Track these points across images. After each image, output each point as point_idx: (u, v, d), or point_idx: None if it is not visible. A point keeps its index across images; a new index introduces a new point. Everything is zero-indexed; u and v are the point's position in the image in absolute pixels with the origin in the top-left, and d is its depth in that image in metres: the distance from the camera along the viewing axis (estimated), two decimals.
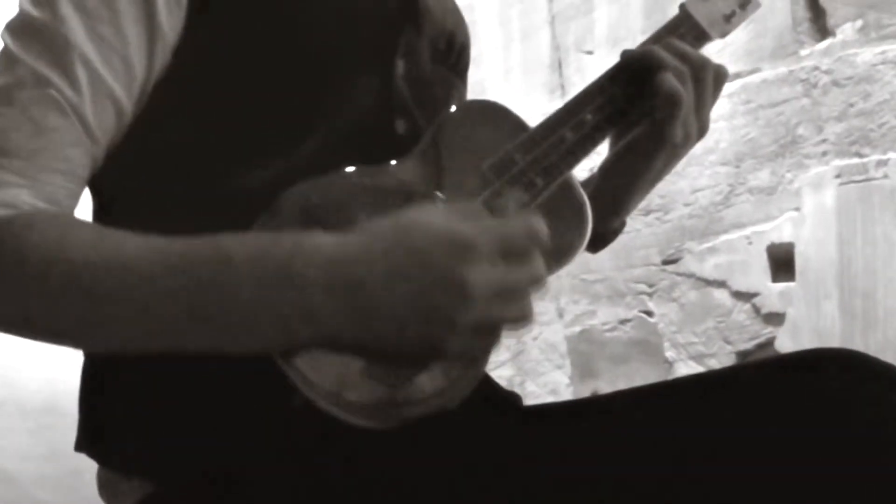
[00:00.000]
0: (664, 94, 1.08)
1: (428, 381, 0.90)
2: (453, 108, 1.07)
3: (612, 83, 1.11)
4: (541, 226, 0.87)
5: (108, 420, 1.03)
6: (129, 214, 1.01)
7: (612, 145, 1.23)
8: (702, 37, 1.18)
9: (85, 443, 1.05)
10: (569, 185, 1.07)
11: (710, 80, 1.14)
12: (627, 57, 1.14)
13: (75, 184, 0.95)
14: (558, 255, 1.03)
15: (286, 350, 0.88)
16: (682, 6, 1.19)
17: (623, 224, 1.32)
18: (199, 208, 0.97)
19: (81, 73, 0.93)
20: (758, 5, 1.24)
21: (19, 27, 0.95)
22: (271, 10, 1.04)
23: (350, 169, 0.98)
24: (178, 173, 1.02)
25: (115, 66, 0.95)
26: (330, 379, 0.88)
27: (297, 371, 0.87)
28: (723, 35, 1.21)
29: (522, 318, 0.87)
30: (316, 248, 0.85)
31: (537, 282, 0.87)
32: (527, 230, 0.87)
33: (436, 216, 0.87)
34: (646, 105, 1.11)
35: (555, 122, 1.07)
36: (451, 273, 0.82)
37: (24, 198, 0.89)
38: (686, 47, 1.13)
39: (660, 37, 1.17)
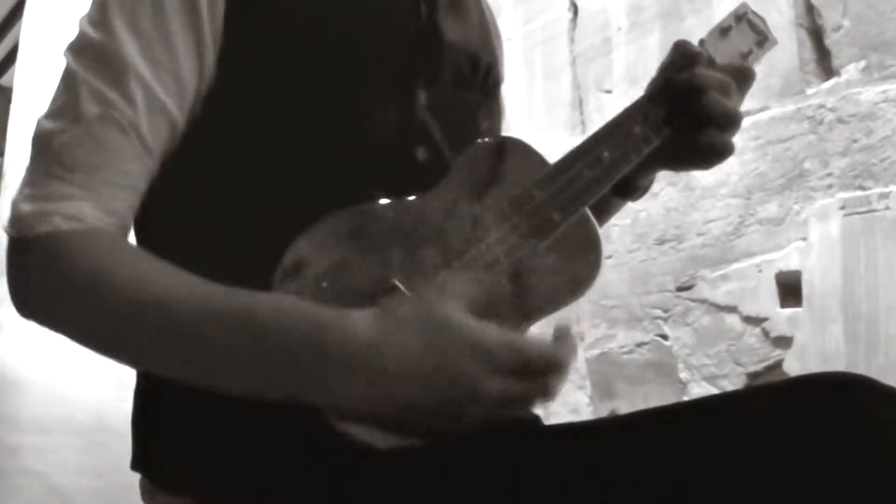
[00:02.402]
0: (714, 113, 1.08)
1: None
2: (471, 147, 1.05)
3: (629, 119, 1.09)
4: (564, 361, 0.89)
5: (157, 441, 1.04)
6: (167, 223, 1.03)
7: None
8: None
9: (137, 461, 1.06)
10: (585, 219, 1.04)
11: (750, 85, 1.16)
12: (664, 84, 1.12)
13: (134, 197, 0.97)
14: (573, 286, 1.02)
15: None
16: (700, 42, 1.16)
17: (653, 180, 1.30)
18: (230, 225, 0.98)
19: (137, 91, 0.94)
20: (774, 43, 1.20)
21: (79, 47, 0.98)
22: (291, 44, 1.03)
23: (384, 201, 0.98)
24: (211, 189, 1.03)
25: (167, 83, 0.97)
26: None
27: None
28: None
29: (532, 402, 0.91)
30: (353, 334, 0.86)
31: (545, 397, 0.89)
32: (551, 358, 0.89)
33: (461, 318, 0.88)
34: (662, 138, 1.10)
35: (573, 158, 1.05)
36: (465, 376, 0.84)
37: (88, 210, 0.91)
38: (727, 99, 1.11)
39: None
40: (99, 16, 0.97)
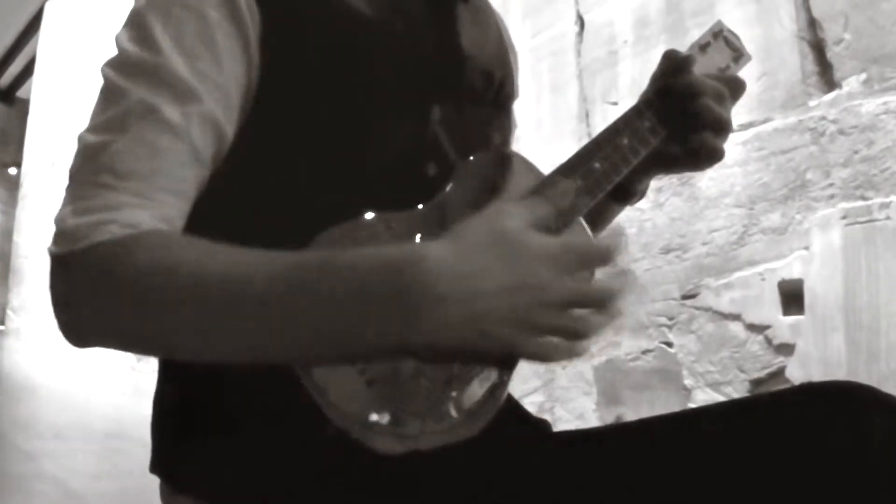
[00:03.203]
0: (711, 119, 1.11)
1: (450, 412, 0.90)
2: (471, 159, 1.06)
3: (621, 133, 1.10)
4: (615, 249, 0.91)
5: (175, 445, 1.04)
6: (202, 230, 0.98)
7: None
8: None
9: (156, 464, 1.06)
10: (580, 229, 1.05)
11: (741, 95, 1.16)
12: (664, 87, 1.14)
13: (187, 203, 0.95)
14: None
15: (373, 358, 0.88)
16: None
17: (647, 185, 1.32)
18: (243, 236, 0.92)
19: (188, 104, 0.93)
20: (749, 59, 1.23)
21: (123, 64, 0.96)
22: (326, 58, 1.03)
23: (370, 215, 0.97)
24: (239, 200, 1.02)
25: (217, 98, 0.96)
26: (359, 409, 0.88)
27: (329, 402, 0.88)
28: None
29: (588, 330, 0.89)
30: (428, 266, 0.84)
31: (610, 294, 0.90)
32: (602, 248, 0.92)
33: (521, 218, 0.89)
34: (678, 132, 1.13)
35: (567, 169, 1.06)
36: (540, 281, 0.85)
37: (145, 217, 0.88)
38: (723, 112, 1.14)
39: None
40: (141, 34, 0.97)
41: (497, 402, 0.93)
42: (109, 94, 0.95)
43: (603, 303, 0.90)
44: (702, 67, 1.17)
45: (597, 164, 1.06)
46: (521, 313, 0.85)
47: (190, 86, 0.94)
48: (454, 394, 0.91)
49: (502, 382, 0.94)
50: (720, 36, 1.21)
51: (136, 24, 0.98)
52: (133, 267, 0.86)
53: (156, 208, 0.90)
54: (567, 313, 0.87)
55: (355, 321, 0.84)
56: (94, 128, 0.94)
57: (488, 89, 1.23)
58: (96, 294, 0.88)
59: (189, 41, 0.96)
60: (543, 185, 1.03)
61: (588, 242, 0.93)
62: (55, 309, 0.90)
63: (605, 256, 0.91)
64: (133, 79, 0.94)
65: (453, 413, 0.90)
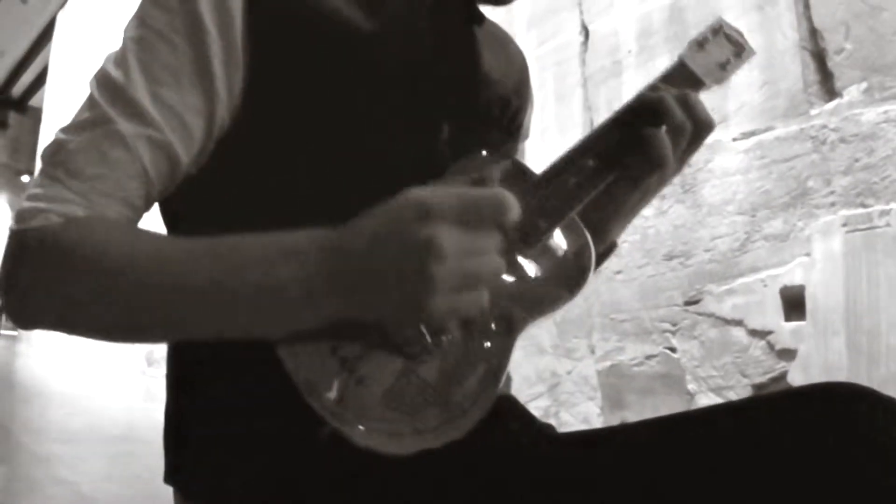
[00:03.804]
0: (655, 154, 1.08)
1: (440, 412, 0.89)
2: (459, 161, 1.07)
3: (613, 130, 1.09)
4: (510, 198, 0.85)
5: (187, 455, 1.05)
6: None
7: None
8: (697, 84, 1.17)
9: (169, 475, 1.07)
10: (574, 225, 1.05)
11: (705, 138, 1.14)
12: (637, 103, 1.12)
13: (130, 210, 0.98)
14: (567, 286, 1.02)
15: (305, 332, 0.89)
16: (679, 57, 1.18)
17: (615, 245, 1.27)
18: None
19: (144, 126, 0.97)
20: (752, 53, 1.21)
21: (101, 80, 1.00)
22: (317, 73, 1.04)
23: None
24: (229, 215, 1.04)
25: (173, 126, 0.98)
26: (353, 410, 0.88)
27: (324, 404, 0.88)
28: (718, 82, 1.19)
29: (492, 274, 0.86)
30: (320, 232, 0.88)
31: (498, 243, 0.86)
32: (493, 198, 0.85)
33: (414, 190, 0.86)
34: (638, 153, 1.10)
35: (559, 167, 1.06)
36: (417, 232, 0.81)
37: (80, 213, 0.93)
38: (697, 105, 1.12)
39: (656, 86, 1.15)
40: (119, 55, 1.01)
41: (487, 401, 0.91)
42: (85, 103, 1.00)
43: (494, 243, 0.86)
44: (700, 63, 1.16)
45: (590, 162, 1.06)
46: (401, 269, 0.84)
47: (148, 112, 0.97)
48: (443, 393, 0.90)
49: (494, 376, 0.93)
50: (720, 32, 1.20)
51: (120, 47, 1.02)
52: (64, 247, 0.91)
53: (92, 208, 0.94)
54: (463, 262, 0.84)
55: (259, 292, 0.88)
56: (65, 128, 0.99)
57: (503, 115, 1.23)
58: (33, 271, 0.93)
59: (155, 68, 0.99)
60: (536, 183, 1.04)
61: (476, 192, 0.87)
62: (3, 285, 0.95)
63: (496, 201, 0.85)
64: (103, 93, 0.99)
65: (442, 412, 0.90)
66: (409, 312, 0.85)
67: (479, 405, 0.90)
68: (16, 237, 0.93)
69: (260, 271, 0.88)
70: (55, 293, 0.92)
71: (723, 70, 1.18)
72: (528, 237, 1.01)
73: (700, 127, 1.11)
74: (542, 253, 1.03)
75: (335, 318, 0.88)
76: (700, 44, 1.19)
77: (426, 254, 0.81)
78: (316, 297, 0.86)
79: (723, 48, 1.19)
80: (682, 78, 1.16)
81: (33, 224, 0.92)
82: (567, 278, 1.02)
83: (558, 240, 1.04)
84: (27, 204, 0.94)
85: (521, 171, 1.08)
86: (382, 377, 0.90)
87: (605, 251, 1.25)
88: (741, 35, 1.21)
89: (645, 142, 1.09)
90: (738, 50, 1.20)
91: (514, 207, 0.85)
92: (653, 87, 1.15)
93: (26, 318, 0.96)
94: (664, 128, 1.09)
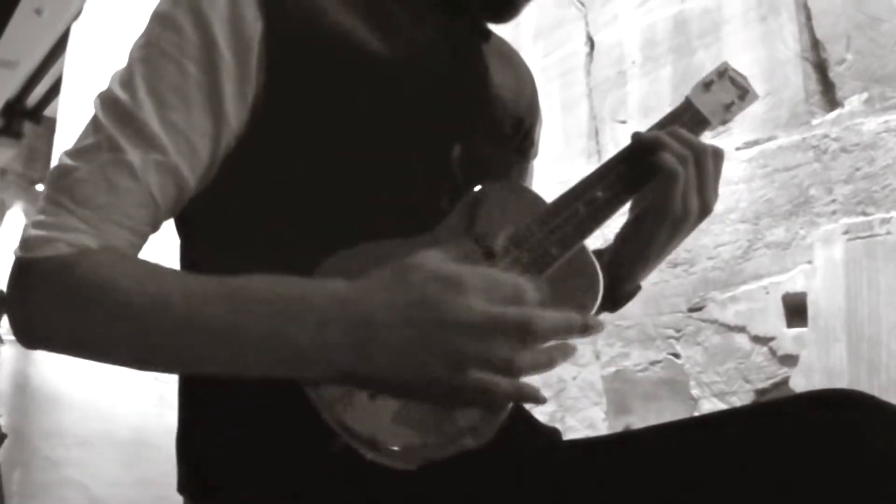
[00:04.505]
0: (664, 170, 1.09)
1: (452, 425, 0.90)
2: (478, 188, 1.06)
3: (621, 163, 1.11)
4: (528, 286, 0.87)
5: (200, 466, 1.04)
6: (206, 264, 1.03)
7: (628, 220, 1.21)
8: (703, 123, 1.19)
9: (182, 485, 1.06)
10: (582, 253, 1.06)
11: (709, 163, 1.13)
12: (636, 140, 1.13)
13: (137, 237, 0.97)
14: (577, 312, 0.98)
15: (313, 382, 0.89)
16: (686, 97, 1.20)
17: (638, 288, 1.28)
18: (259, 269, 0.93)
19: (150, 150, 0.96)
20: (755, 97, 1.24)
21: (106, 100, 0.99)
22: (333, 96, 1.03)
23: (368, 243, 0.97)
24: (244, 234, 1.03)
25: (181, 148, 0.97)
26: (365, 425, 0.88)
27: (337, 418, 0.88)
28: (723, 122, 1.22)
29: (512, 357, 0.85)
30: (333, 288, 0.87)
31: (525, 320, 0.84)
32: (514, 282, 0.87)
33: (430, 258, 0.87)
34: (650, 181, 1.12)
35: (570, 198, 1.07)
36: (437, 304, 0.83)
37: (90, 242, 0.92)
38: (688, 134, 1.13)
39: (664, 124, 1.17)
40: (126, 77, 0.99)
41: (500, 416, 0.92)
42: (91, 125, 0.99)
43: (517, 326, 0.85)
44: (706, 103, 1.19)
45: (600, 193, 1.08)
46: (423, 345, 0.84)
47: (155, 134, 0.96)
48: (457, 409, 0.91)
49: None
50: (725, 75, 1.22)
51: (127, 66, 1.01)
52: (75, 279, 0.90)
53: (101, 237, 0.93)
54: (483, 340, 0.84)
55: (270, 346, 0.87)
56: (72, 152, 0.98)
57: (515, 134, 1.24)
58: (43, 300, 0.92)
59: (163, 90, 0.98)
60: (548, 212, 1.05)
61: (503, 273, 0.89)
62: (8, 308, 0.94)
63: (519, 288, 0.87)
64: (109, 116, 0.97)
65: (456, 428, 0.90)
66: (422, 383, 0.86)
67: (490, 424, 0.91)
68: (25, 266, 0.93)
69: (270, 328, 0.87)
70: (66, 323, 0.92)
71: (727, 111, 1.21)
72: (540, 264, 1.02)
73: (697, 152, 1.12)
74: (553, 280, 1.03)
75: (348, 373, 0.87)
76: (706, 85, 1.21)
77: (451, 324, 0.83)
78: (331, 359, 0.86)
79: (728, 90, 1.22)
80: (689, 116, 1.18)
81: (42, 254, 0.91)
82: (577, 305, 1.03)
83: (569, 267, 1.04)
84: (34, 232, 0.93)
85: (529, 195, 1.09)
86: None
87: (628, 293, 1.27)
88: (745, 79, 1.24)
89: (651, 170, 1.10)
90: (742, 93, 1.22)
91: (530, 291, 0.87)
92: (660, 125, 1.17)
93: (35, 343, 0.96)
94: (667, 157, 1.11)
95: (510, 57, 1.32)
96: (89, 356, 0.94)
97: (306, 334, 0.85)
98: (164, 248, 1.05)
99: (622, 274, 1.23)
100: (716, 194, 1.16)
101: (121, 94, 0.98)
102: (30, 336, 0.95)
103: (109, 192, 0.94)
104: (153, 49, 1.00)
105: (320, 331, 0.85)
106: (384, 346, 0.84)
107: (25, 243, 0.93)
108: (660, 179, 1.11)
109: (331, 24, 1.05)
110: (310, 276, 0.92)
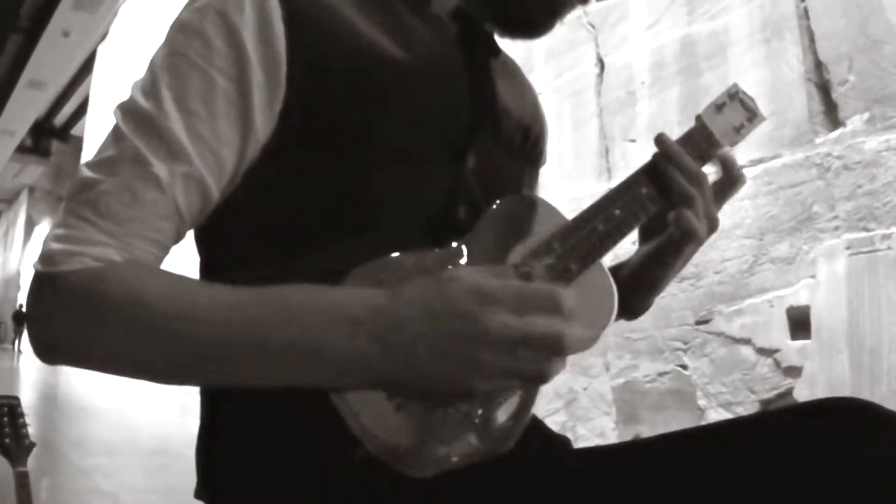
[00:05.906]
0: (679, 193, 1.10)
1: (476, 438, 0.91)
2: (497, 203, 1.05)
3: (637, 183, 1.11)
4: (564, 294, 0.86)
5: (219, 474, 1.02)
6: (228, 273, 1.00)
7: (640, 236, 1.22)
8: (715, 145, 1.18)
9: (201, 492, 1.05)
10: (599, 269, 1.06)
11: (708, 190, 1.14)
12: (653, 161, 1.12)
13: (160, 251, 0.94)
14: (591, 328, 1.02)
15: (343, 390, 0.88)
16: (698, 117, 1.19)
17: (651, 303, 1.29)
18: (281, 279, 0.92)
19: (177, 161, 0.92)
20: (762, 119, 1.23)
21: (129, 110, 0.95)
22: (355, 108, 1.00)
23: (398, 254, 0.97)
24: (267, 243, 1.01)
25: (207, 160, 0.94)
26: (388, 433, 0.89)
27: (361, 426, 0.89)
28: (733, 144, 1.21)
29: (541, 370, 0.85)
30: (369, 297, 0.87)
31: (556, 336, 0.84)
32: (549, 293, 0.86)
33: (465, 272, 0.87)
34: (666, 202, 1.12)
35: (589, 215, 1.06)
36: (474, 318, 0.83)
37: (115, 257, 0.88)
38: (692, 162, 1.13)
39: (678, 144, 1.15)
40: (150, 86, 0.96)
41: (520, 426, 0.93)
42: (112, 135, 0.96)
43: (549, 344, 0.85)
44: (717, 125, 1.18)
45: (617, 211, 1.09)
46: (449, 349, 0.84)
47: (182, 144, 0.93)
48: (480, 420, 0.91)
49: (526, 408, 0.94)
50: (736, 97, 1.22)
51: (149, 75, 0.98)
52: (102, 294, 0.87)
53: (125, 250, 0.90)
54: (515, 355, 0.84)
55: (308, 355, 0.87)
56: (92, 164, 0.95)
57: (525, 144, 1.24)
58: (67, 315, 0.88)
59: (191, 101, 0.95)
60: (568, 228, 1.06)
61: (531, 284, 0.89)
62: (28, 323, 0.91)
63: (552, 298, 0.86)
64: (132, 126, 0.94)
65: (479, 439, 0.91)
66: (451, 388, 0.86)
67: (511, 435, 0.92)
68: (48, 280, 0.88)
69: (309, 336, 0.86)
70: (91, 339, 0.89)
71: (737, 133, 1.20)
72: (559, 279, 1.02)
73: (704, 176, 1.13)
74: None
75: (381, 382, 0.87)
76: (718, 107, 1.21)
77: (481, 341, 0.83)
78: (367, 368, 0.85)
79: (738, 113, 1.22)
80: (702, 138, 1.18)
81: (66, 268, 0.87)
82: (593, 319, 1.03)
83: (586, 282, 1.05)
84: (56, 246, 0.88)
85: (550, 210, 1.09)
86: (421, 405, 0.91)
87: (644, 308, 1.29)
88: (753, 101, 1.23)
89: (665, 189, 1.11)
90: (751, 115, 1.22)
91: (566, 299, 0.86)
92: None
93: (56, 359, 0.92)
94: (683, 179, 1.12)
95: (513, 69, 1.33)
96: (114, 371, 0.92)
97: (341, 343, 0.85)
98: (173, 253, 1.05)
99: (641, 289, 1.24)
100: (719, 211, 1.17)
101: (144, 103, 0.94)
102: (52, 351, 0.91)
103: (134, 205, 0.90)
104: (179, 58, 0.96)
105: (354, 339, 0.85)
106: (417, 357, 0.84)
107: (47, 257, 0.88)
108: (674, 198, 1.11)
109: (354, 37, 1.03)
110: (338, 285, 0.92)
